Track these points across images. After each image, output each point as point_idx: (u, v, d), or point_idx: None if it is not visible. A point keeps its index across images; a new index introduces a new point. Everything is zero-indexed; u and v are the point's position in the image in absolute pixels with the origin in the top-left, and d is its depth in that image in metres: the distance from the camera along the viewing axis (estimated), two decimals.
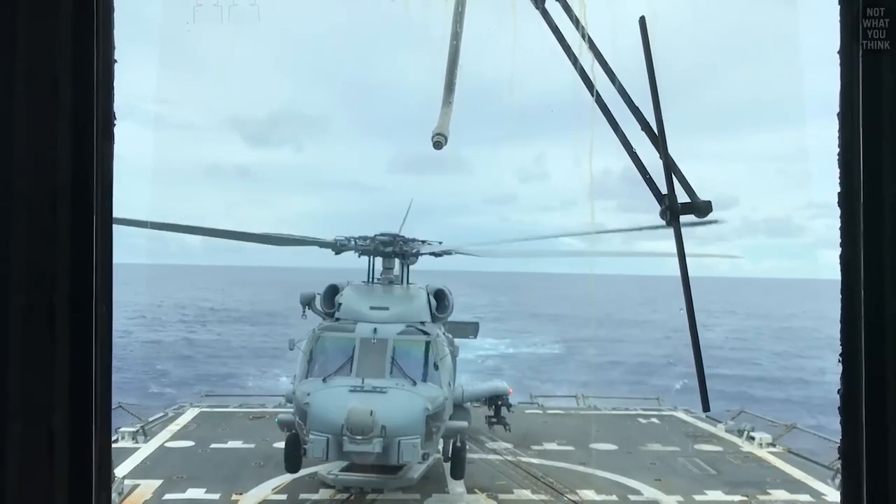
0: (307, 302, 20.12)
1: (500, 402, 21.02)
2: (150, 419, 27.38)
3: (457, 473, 19.00)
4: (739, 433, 26.42)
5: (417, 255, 21.53)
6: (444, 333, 20.32)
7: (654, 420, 29.60)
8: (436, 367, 17.59)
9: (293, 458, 17.94)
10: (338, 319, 18.87)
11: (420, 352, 17.65)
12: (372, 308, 18.54)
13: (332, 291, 19.84)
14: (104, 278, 1.98)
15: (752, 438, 25.65)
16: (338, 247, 20.62)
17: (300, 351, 18.48)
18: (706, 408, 3.93)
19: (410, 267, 21.78)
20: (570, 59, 3.51)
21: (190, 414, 29.19)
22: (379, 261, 21.38)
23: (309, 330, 18.95)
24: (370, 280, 21.36)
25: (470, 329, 27.78)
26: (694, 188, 3.65)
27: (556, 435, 25.98)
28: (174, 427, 26.97)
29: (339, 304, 19.24)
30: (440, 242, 22.25)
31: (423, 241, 21.47)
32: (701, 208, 3.63)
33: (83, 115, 1.95)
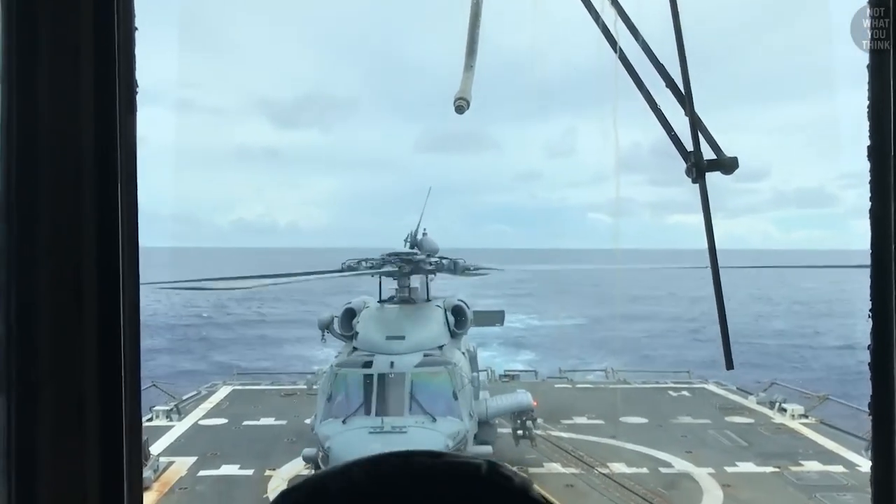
0: (325, 326, 20.02)
1: (524, 418, 20.44)
2: (184, 397, 27.83)
3: None
4: (771, 405, 26.24)
5: (434, 270, 21.48)
6: (461, 350, 20.24)
7: (685, 393, 29.47)
8: (455, 396, 17.41)
9: None
10: (355, 349, 18.86)
11: (439, 384, 17.46)
12: (388, 338, 18.40)
13: (350, 315, 19.69)
14: (130, 246, 1.98)
15: (784, 410, 25.46)
16: (346, 271, 20.68)
17: (319, 389, 18.52)
18: (730, 366, 3.91)
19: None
20: (591, 15, 3.44)
21: (223, 392, 29.64)
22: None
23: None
24: (381, 297, 21.37)
25: (496, 318, 27.82)
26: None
27: (585, 409, 25.98)
28: (207, 405, 27.40)
29: (357, 333, 19.13)
30: (455, 261, 22.17)
31: (439, 258, 21.42)
32: (727, 165, 3.58)
33: (105, 84, 1.94)
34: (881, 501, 1.96)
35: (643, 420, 24.86)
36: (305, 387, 29.00)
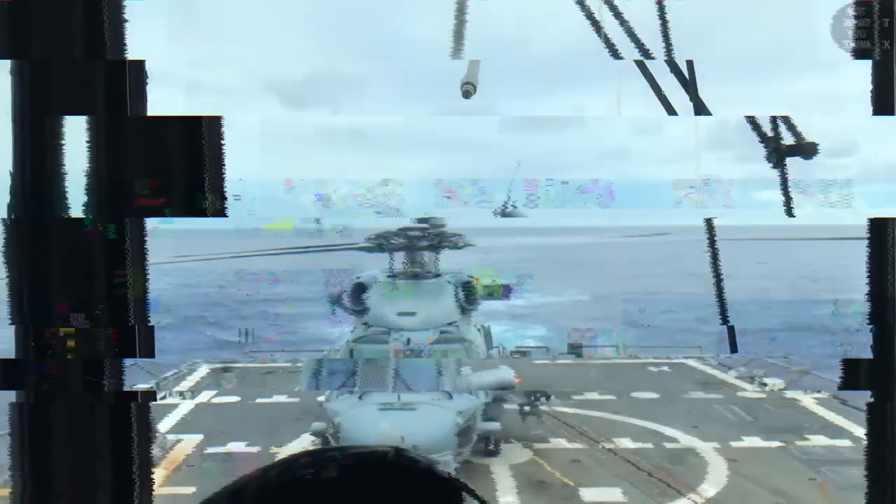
0: (335, 300, 19.92)
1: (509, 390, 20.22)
2: (164, 375, 27.14)
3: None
4: (751, 379, 26.69)
5: (447, 245, 21.46)
6: (474, 327, 20.44)
7: (665, 368, 29.86)
8: None
9: None
10: (367, 324, 18.87)
11: (455, 361, 17.61)
12: (400, 314, 18.45)
13: (359, 289, 19.68)
14: (136, 236, 1.88)
15: (764, 384, 25.94)
16: (370, 249, 20.65)
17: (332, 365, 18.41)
18: (734, 349, 4.06)
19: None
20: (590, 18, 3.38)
21: (203, 370, 29.12)
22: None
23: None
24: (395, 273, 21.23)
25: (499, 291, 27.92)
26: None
27: (571, 384, 25.97)
28: (188, 383, 26.89)
29: (367, 308, 19.13)
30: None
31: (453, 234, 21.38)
32: (807, 150, 3.57)
33: (116, 73, 1.86)
34: (875, 474, 1.99)
35: (611, 396, 24.78)
36: (289, 364, 28.76)
